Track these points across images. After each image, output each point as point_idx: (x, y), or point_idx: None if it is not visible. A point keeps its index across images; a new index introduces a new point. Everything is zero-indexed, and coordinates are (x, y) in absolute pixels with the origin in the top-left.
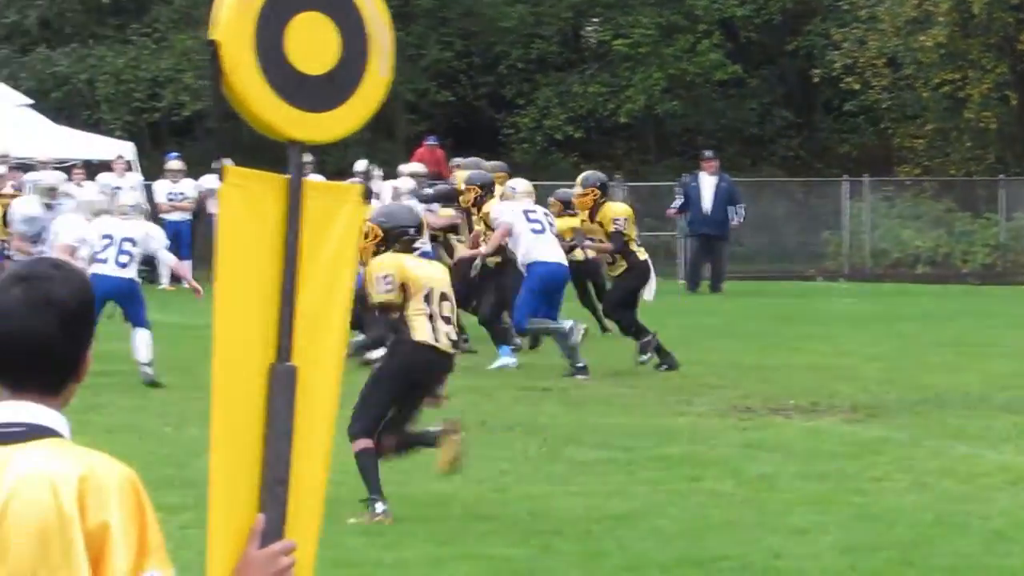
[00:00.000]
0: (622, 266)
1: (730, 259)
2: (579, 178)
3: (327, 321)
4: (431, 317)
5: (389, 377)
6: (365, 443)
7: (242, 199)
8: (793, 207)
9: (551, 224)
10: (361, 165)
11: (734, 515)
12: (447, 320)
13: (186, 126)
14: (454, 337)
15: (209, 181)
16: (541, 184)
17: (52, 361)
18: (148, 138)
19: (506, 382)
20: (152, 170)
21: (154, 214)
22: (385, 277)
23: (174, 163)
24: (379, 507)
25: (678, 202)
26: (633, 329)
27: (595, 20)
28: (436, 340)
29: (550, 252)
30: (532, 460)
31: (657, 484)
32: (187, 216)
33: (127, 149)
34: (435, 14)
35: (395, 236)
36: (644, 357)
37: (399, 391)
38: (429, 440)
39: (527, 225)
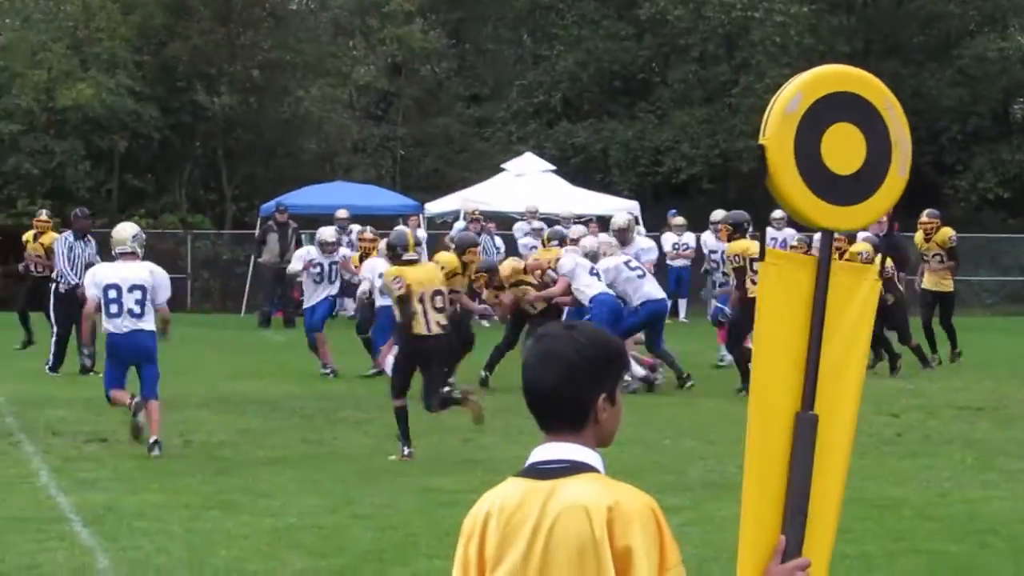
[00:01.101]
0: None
1: None
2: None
3: (845, 378)
4: (425, 313)
5: (402, 359)
6: (397, 402)
7: (778, 274)
8: None
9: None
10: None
11: None
12: (439, 310)
13: (682, 187)
14: (444, 322)
15: (709, 238)
16: (972, 236)
17: (561, 406)
18: (650, 197)
19: (947, 402)
20: (651, 224)
21: (661, 261)
22: (395, 280)
23: (677, 219)
24: (406, 450)
25: None
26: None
27: (1021, 100)
28: (428, 330)
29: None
30: (969, 469)
31: None
32: (687, 263)
33: (633, 207)
34: None
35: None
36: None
37: (412, 368)
38: (457, 401)
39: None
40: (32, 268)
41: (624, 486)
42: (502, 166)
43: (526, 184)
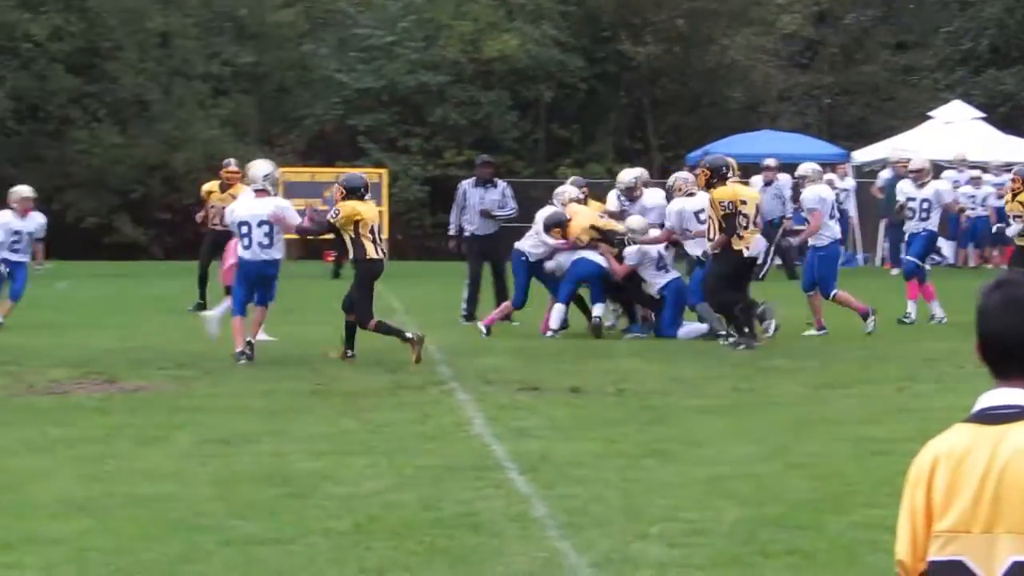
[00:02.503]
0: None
1: None
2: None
3: None
4: (373, 241)
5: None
6: (374, 323)
7: None
8: None
9: None
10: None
11: None
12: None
13: None
14: (385, 250)
15: (906, 184)
16: None
17: (1020, 353)
18: None
19: None
20: None
21: None
22: (336, 212)
23: None
24: (349, 352)
25: None
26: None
27: None
28: (377, 254)
29: None
30: None
31: None
32: None
33: None
34: None
35: (352, 190)
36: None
37: (373, 291)
38: (403, 338)
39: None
40: (215, 221)
41: None
42: (929, 114)
43: (954, 132)
